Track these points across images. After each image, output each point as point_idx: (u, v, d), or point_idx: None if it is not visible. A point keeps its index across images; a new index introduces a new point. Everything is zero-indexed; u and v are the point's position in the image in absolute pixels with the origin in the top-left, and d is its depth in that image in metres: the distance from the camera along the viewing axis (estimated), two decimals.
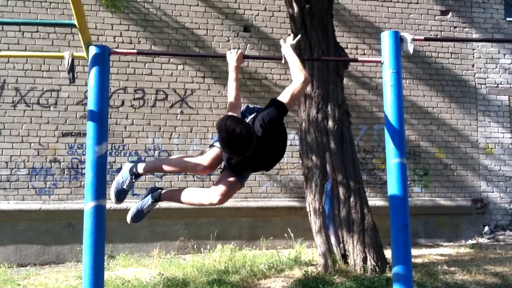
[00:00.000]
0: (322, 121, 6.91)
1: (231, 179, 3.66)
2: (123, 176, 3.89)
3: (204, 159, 3.68)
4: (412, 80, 9.92)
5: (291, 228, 8.48)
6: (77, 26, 3.30)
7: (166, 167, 3.84)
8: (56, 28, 8.66)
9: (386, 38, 3.55)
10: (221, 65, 8.99)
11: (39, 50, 8.57)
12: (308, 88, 7.01)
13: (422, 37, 3.98)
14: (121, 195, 3.92)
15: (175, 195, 3.88)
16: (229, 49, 4.06)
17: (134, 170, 3.85)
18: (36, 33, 8.67)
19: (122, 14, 8.86)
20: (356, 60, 4.18)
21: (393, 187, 3.40)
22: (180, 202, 3.80)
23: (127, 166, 3.93)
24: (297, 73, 3.67)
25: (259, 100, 9.15)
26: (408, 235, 3.36)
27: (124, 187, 3.89)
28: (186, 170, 3.93)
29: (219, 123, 3.29)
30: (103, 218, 3.30)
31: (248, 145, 3.28)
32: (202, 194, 3.71)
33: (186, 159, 3.80)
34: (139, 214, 4.02)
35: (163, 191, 3.94)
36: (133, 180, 3.88)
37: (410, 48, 3.55)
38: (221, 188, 3.63)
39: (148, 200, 3.96)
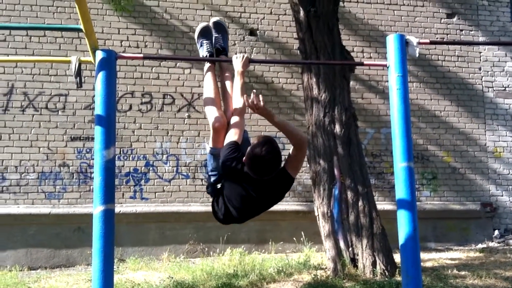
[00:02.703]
0: (329, 125, 6.91)
1: None
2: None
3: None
4: (419, 83, 9.90)
5: (299, 232, 8.48)
6: (84, 30, 3.32)
7: None
8: (63, 33, 8.70)
9: (391, 42, 3.54)
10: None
11: (46, 54, 8.61)
12: (315, 92, 7.02)
13: (428, 41, 3.97)
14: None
15: None
16: (235, 53, 4.04)
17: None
18: (43, 37, 8.72)
19: (128, 18, 8.91)
20: (362, 64, 4.18)
21: (401, 192, 3.38)
22: None
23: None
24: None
25: (266, 104, 9.16)
26: (417, 239, 3.34)
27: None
28: None
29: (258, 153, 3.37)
30: (112, 222, 3.31)
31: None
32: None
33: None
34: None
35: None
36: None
37: (416, 51, 3.54)
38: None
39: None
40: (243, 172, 3.49)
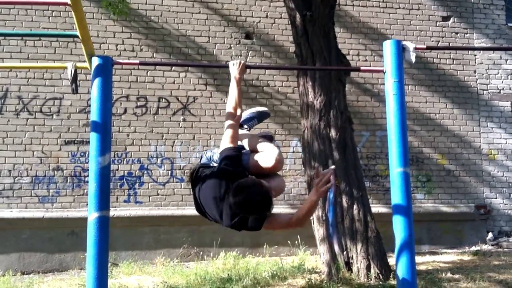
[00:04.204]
0: (325, 128, 6.91)
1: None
2: None
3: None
4: (414, 86, 9.92)
5: (294, 235, 8.48)
6: (80, 37, 3.30)
7: None
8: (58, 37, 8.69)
9: (388, 47, 3.53)
10: (223, 73, 9.00)
11: (41, 58, 8.59)
12: (310, 95, 7.02)
13: (424, 46, 3.97)
14: None
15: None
16: (231, 57, 4.04)
17: None
18: (38, 42, 8.70)
19: (124, 22, 8.89)
20: (358, 70, 4.15)
21: (396, 197, 3.38)
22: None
23: None
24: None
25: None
26: (412, 244, 3.34)
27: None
28: None
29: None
30: (107, 229, 3.30)
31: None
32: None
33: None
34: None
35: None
36: None
37: (413, 57, 3.53)
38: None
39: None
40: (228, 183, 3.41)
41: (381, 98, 9.53)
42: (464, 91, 10.15)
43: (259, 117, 4.15)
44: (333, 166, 3.46)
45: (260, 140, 3.77)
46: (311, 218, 6.99)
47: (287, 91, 9.38)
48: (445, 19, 10.29)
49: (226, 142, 3.54)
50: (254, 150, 3.72)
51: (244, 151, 3.72)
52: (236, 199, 3.16)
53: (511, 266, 7.35)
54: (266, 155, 3.58)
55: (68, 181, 8.53)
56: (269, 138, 4.05)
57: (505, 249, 9.07)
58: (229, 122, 3.63)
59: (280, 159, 3.59)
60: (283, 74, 9.40)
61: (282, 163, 3.63)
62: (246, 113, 4.11)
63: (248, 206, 3.16)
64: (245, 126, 4.06)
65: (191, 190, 3.79)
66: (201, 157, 3.90)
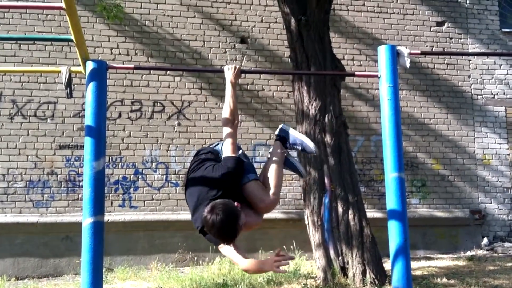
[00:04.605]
0: (320, 133, 6.91)
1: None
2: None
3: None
4: (408, 91, 9.94)
5: (289, 240, 8.47)
6: (74, 41, 3.30)
7: None
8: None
9: (382, 52, 3.55)
10: (218, 77, 9.00)
11: (35, 62, 8.57)
12: (305, 100, 7.02)
13: (419, 51, 3.98)
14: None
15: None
16: (226, 61, 4.03)
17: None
18: (32, 45, 8.67)
19: (119, 26, 8.88)
20: (353, 75, 4.16)
21: (391, 202, 3.39)
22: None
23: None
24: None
25: (256, 112, 9.18)
26: (408, 249, 3.34)
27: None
28: None
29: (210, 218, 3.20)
30: (102, 234, 3.29)
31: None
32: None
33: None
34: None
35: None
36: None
37: (407, 62, 3.54)
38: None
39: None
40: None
41: (375, 103, 9.55)
42: (458, 96, 10.18)
43: (303, 148, 4.06)
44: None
45: (274, 179, 3.69)
46: (307, 223, 6.99)
47: (282, 95, 9.39)
48: (440, 24, 10.33)
49: (228, 151, 3.55)
50: (264, 176, 3.73)
51: (244, 159, 3.70)
52: (207, 215, 3.20)
53: (506, 271, 7.35)
54: (265, 197, 3.56)
55: (63, 186, 8.50)
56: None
57: (500, 254, 9.08)
58: (228, 129, 3.62)
59: (273, 207, 3.61)
60: (278, 78, 9.40)
61: (271, 210, 3.63)
62: (298, 136, 3.98)
63: (212, 228, 3.20)
64: (288, 145, 3.92)
65: (193, 157, 3.84)
66: (217, 144, 3.88)
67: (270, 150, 3.89)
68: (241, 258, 3.41)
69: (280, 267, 3.25)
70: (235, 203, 3.32)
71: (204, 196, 3.42)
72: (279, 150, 3.82)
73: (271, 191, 3.59)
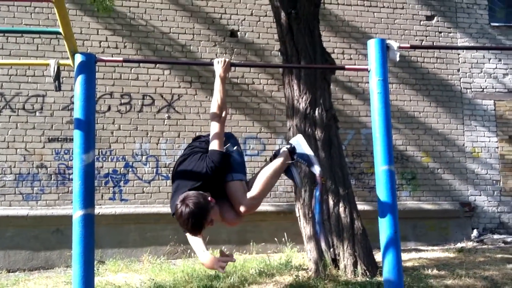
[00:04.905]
0: (310, 126, 6.91)
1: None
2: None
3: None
4: (398, 85, 9.98)
5: (280, 233, 8.49)
6: (63, 34, 3.27)
7: None
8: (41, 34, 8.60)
9: (372, 46, 3.55)
10: (208, 70, 8.98)
11: (23, 55, 8.50)
12: (296, 94, 7.01)
13: (408, 45, 3.98)
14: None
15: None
16: (216, 55, 4.01)
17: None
18: (20, 38, 8.61)
19: (107, 19, 8.82)
20: (343, 68, 4.17)
21: (382, 194, 3.40)
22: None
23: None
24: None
25: (246, 105, 9.17)
26: (398, 241, 3.36)
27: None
28: None
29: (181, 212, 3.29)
30: (92, 227, 3.28)
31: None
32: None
33: None
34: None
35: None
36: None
37: (396, 56, 3.55)
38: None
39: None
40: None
41: (365, 97, 9.58)
42: (447, 90, 10.23)
43: (309, 162, 4.05)
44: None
45: (262, 183, 3.69)
46: (298, 216, 7.01)
47: (272, 89, 9.39)
48: (429, 18, 10.36)
49: (215, 145, 3.55)
50: (256, 176, 3.75)
51: (230, 149, 3.70)
52: (178, 204, 3.29)
53: (495, 263, 7.41)
54: (244, 201, 3.54)
55: (52, 179, 8.46)
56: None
57: (489, 246, 9.15)
58: (215, 124, 3.61)
59: (250, 212, 3.59)
60: (268, 72, 9.40)
61: (248, 213, 3.61)
62: (305, 148, 3.99)
63: (180, 217, 3.31)
64: (295, 157, 3.94)
65: (191, 142, 3.93)
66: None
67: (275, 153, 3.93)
68: (201, 251, 3.48)
69: (219, 268, 3.34)
70: (209, 198, 3.34)
71: (183, 184, 3.49)
72: (282, 159, 3.84)
73: (253, 194, 3.57)
